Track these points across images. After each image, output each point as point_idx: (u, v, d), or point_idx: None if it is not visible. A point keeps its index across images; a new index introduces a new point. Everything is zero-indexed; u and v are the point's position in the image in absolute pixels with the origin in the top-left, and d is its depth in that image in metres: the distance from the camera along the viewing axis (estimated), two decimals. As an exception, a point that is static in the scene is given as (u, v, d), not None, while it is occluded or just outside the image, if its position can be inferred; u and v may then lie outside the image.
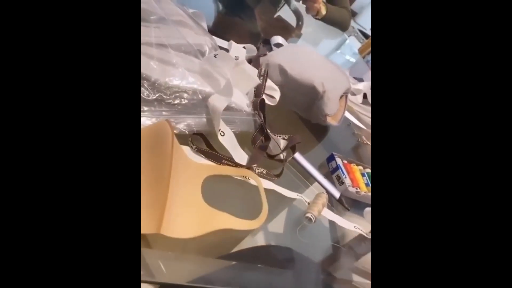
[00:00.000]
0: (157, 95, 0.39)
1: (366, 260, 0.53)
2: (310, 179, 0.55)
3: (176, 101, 0.40)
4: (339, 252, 0.51)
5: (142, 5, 0.44)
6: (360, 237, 0.51)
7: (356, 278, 0.49)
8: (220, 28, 0.79)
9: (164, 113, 0.40)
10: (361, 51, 1.62)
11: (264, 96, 0.52)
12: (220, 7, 1.04)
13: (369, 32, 1.88)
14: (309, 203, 0.47)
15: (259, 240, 0.45)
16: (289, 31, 1.09)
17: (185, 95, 0.41)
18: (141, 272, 0.29)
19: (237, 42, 0.63)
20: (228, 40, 0.64)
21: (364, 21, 2.05)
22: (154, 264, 0.32)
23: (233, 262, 0.39)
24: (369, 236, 0.50)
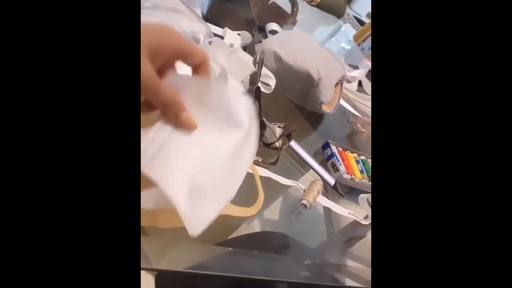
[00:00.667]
0: (151, 83, 0.39)
1: (360, 246, 0.54)
2: (306, 166, 0.55)
3: (171, 89, 0.40)
4: (334, 237, 0.52)
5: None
6: (355, 223, 0.52)
7: (350, 263, 0.50)
8: (215, 15, 0.78)
9: (159, 101, 0.39)
10: (356, 38, 1.61)
11: (259, 84, 0.52)
12: (214, -7, 1.03)
13: (364, 19, 1.87)
14: (304, 190, 0.47)
15: (255, 227, 0.46)
16: (284, 18, 1.08)
17: (180, 83, 0.40)
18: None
19: (232, 29, 0.62)
20: (222, 27, 0.63)
21: (360, 7, 2.03)
22: (151, 252, 0.32)
23: (230, 249, 0.40)
24: (364, 222, 0.51)
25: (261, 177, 0.45)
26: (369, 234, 0.55)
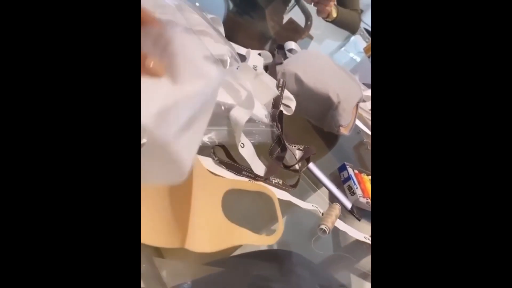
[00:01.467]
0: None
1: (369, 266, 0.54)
2: (318, 184, 0.56)
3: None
4: (344, 258, 0.52)
5: (168, 17, 0.44)
6: (368, 246, 0.52)
7: (358, 283, 0.50)
8: (230, 28, 0.79)
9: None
10: (366, 50, 1.62)
11: (281, 107, 0.53)
12: (231, 5, 1.04)
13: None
14: (323, 214, 0.48)
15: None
16: (300, 33, 1.10)
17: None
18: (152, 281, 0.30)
19: (247, 42, 0.63)
20: (237, 41, 0.64)
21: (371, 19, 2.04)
22: (167, 273, 0.33)
23: (234, 267, 0.39)
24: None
25: (281, 200, 0.46)
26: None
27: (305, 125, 0.65)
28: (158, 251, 0.33)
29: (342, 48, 1.72)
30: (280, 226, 0.42)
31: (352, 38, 1.64)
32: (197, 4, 0.58)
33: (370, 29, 1.92)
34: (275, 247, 0.46)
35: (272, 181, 0.47)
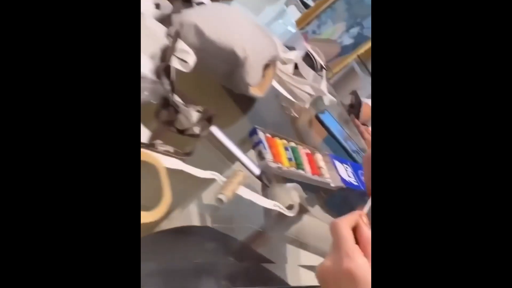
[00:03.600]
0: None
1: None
2: (233, 157, 0.50)
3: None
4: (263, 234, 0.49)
5: None
6: (280, 215, 0.48)
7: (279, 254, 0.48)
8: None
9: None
10: (298, 22, 1.56)
11: (175, 61, 0.45)
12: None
13: (309, 2, 1.84)
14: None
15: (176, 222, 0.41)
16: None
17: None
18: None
19: None
20: None
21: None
22: None
23: None
24: (288, 213, 0.48)
25: (172, 170, 0.39)
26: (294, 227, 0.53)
27: (214, 86, 0.58)
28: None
29: (280, 20, 1.66)
30: (165, 199, 0.36)
31: (287, 9, 1.58)
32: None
33: (306, 0, 1.88)
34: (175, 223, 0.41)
35: (157, 148, 0.39)
